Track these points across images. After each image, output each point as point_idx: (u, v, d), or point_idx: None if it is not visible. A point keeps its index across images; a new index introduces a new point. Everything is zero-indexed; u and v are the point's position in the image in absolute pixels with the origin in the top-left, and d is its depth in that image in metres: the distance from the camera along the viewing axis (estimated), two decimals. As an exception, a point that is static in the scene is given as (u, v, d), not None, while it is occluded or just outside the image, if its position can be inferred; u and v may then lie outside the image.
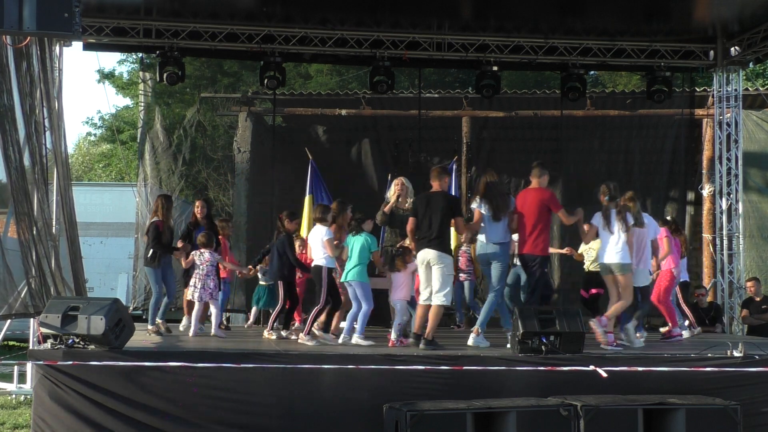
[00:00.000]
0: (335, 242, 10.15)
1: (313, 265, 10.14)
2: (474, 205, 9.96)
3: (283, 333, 10.60)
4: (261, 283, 12.32)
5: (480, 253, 10.02)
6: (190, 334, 10.93)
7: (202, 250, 10.91)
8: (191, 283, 10.92)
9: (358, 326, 9.88)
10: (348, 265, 9.99)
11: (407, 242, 10.19)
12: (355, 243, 9.99)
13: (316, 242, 10.10)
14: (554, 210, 9.89)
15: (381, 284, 10.74)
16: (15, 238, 9.77)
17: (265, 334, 10.64)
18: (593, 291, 11.56)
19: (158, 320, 10.96)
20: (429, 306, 9.49)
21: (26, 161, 10.21)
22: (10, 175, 9.60)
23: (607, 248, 9.85)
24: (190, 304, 11.24)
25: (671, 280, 11.21)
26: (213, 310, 10.96)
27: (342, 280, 10.14)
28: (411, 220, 9.72)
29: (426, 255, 9.48)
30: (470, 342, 9.66)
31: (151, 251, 10.77)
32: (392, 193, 11.19)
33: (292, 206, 13.73)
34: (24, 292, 9.69)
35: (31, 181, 10.33)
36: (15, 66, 9.87)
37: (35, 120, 10.67)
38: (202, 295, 10.81)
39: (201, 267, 10.84)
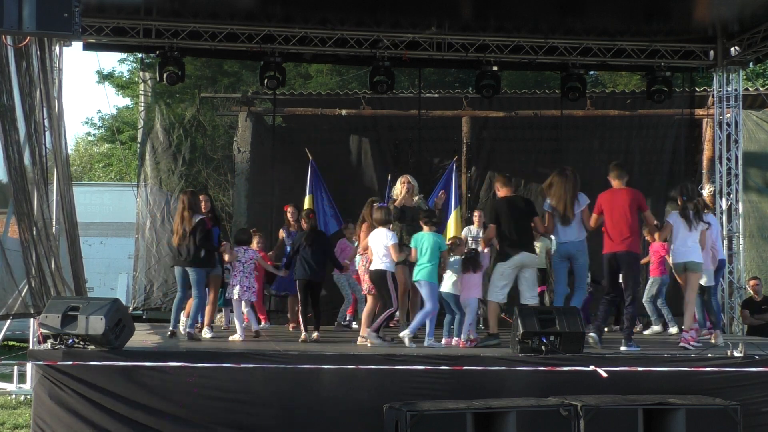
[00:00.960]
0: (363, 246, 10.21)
1: (375, 269, 9.90)
2: (546, 206, 10.12)
3: (314, 335, 10.30)
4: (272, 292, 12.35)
5: (556, 251, 10.20)
6: (239, 338, 10.38)
7: (245, 247, 10.61)
8: (232, 281, 10.55)
9: (413, 324, 9.84)
10: (419, 265, 9.85)
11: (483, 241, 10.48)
12: (425, 242, 9.86)
13: (378, 245, 9.91)
14: (643, 209, 9.97)
15: None
16: (15, 238, 9.77)
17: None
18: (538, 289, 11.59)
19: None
20: (497, 304, 9.99)
21: (26, 161, 10.21)
22: (10, 175, 9.60)
23: (684, 247, 9.92)
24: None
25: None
26: (245, 309, 10.61)
27: (414, 279, 10.05)
28: (492, 227, 10.00)
29: (525, 259, 9.87)
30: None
31: (204, 251, 10.15)
32: (398, 191, 11.14)
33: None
34: (24, 292, 9.69)
35: (31, 181, 10.33)
36: (15, 66, 9.87)
37: (35, 120, 10.67)
38: (246, 295, 10.48)
39: (245, 264, 10.48)
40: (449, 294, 9.98)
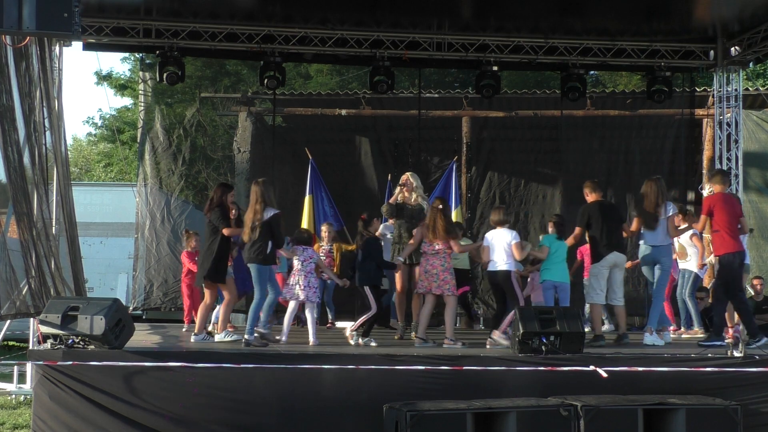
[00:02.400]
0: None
1: (500, 269, 9.92)
2: (634, 212, 10.61)
3: (373, 343, 9.80)
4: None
5: (644, 255, 10.49)
6: (284, 339, 9.92)
7: (303, 246, 10.27)
8: (290, 281, 10.12)
9: None
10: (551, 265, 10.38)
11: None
12: (552, 243, 10.46)
13: (499, 245, 9.94)
14: (740, 215, 10.35)
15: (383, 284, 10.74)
16: (15, 238, 9.77)
17: (361, 341, 9.85)
18: (461, 290, 11.84)
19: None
20: (600, 306, 10.40)
21: (26, 161, 10.21)
22: (9, 175, 9.60)
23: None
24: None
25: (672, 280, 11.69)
26: (309, 314, 10.16)
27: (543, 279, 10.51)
28: (579, 229, 10.33)
29: (617, 259, 10.27)
30: (647, 341, 10.09)
31: (270, 246, 9.56)
32: (398, 189, 11.13)
33: (292, 206, 13.79)
34: (24, 292, 9.69)
35: (31, 181, 10.33)
36: (15, 66, 9.87)
37: (35, 120, 10.67)
38: (308, 295, 10.05)
39: (304, 264, 10.10)
40: None
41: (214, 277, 9.84)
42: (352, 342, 9.90)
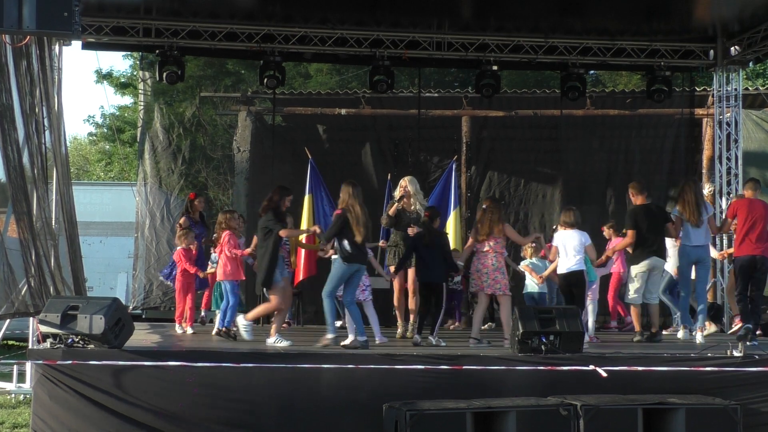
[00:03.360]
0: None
1: (575, 270, 10.14)
2: (675, 212, 10.81)
3: (433, 339, 9.83)
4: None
5: (685, 255, 10.75)
6: (378, 340, 9.93)
7: None
8: None
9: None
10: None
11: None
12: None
13: (570, 246, 10.12)
14: (756, 220, 10.77)
15: (380, 284, 10.71)
16: (14, 237, 9.76)
17: (432, 339, 9.88)
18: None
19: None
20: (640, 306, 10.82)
21: (25, 160, 10.19)
22: (9, 174, 9.58)
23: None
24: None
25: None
26: (370, 313, 10.12)
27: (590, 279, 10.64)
28: (632, 232, 10.54)
29: (657, 263, 10.69)
30: (699, 339, 10.42)
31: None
32: (397, 195, 11.13)
33: (292, 206, 13.73)
34: (24, 291, 9.68)
35: (31, 180, 10.32)
36: (14, 65, 9.86)
37: (35, 119, 10.66)
38: (363, 294, 10.11)
39: None
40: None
41: (268, 284, 9.71)
42: (423, 342, 9.83)
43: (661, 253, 10.74)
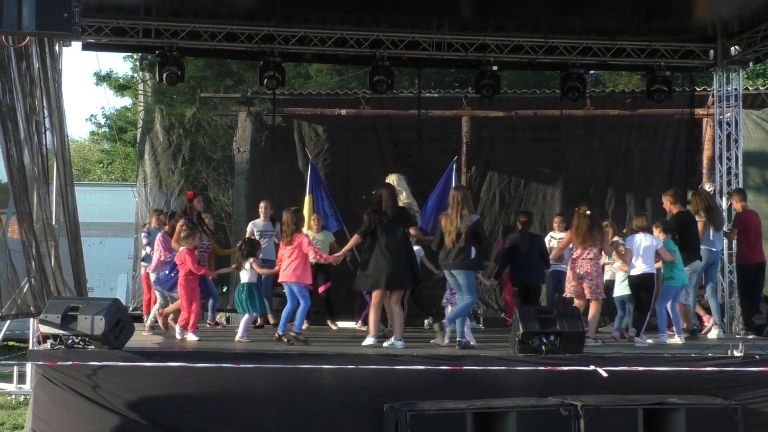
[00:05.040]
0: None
1: (645, 272, 10.30)
2: (699, 218, 11.36)
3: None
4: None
5: (708, 258, 11.37)
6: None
7: None
8: None
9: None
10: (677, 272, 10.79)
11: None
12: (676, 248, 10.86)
13: (643, 250, 10.31)
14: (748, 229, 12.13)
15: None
16: (15, 238, 9.76)
17: None
18: (322, 288, 12.17)
19: None
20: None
21: (27, 160, 10.19)
22: (12, 174, 9.58)
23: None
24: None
25: None
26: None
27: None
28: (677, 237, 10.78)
29: (697, 266, 11.24)
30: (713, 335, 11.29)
31: (474, 252, 9.56)
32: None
33: (292, 206, 13.72)
34: (25, 291, 9.68)
35: (32, 180, 10.32)
36: (16, 65, 9.86)
37: (36, 119, 10.66)
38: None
39: None
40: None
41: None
42: None
43: (699, 256, 11.23)
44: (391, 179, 11.11)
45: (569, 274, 10.35)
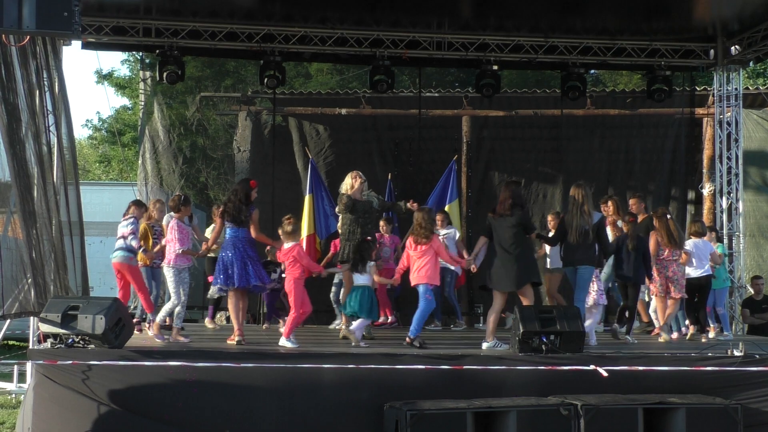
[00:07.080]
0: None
1: (702, 275, 10.86)
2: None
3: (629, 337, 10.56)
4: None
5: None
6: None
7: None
8: None
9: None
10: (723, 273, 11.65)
11: None
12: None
13: (701, 254, 10.91)
14: None
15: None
16: (17, 237, 9.75)
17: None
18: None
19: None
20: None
21: (30, 159, 10.19)
22: (17, 172, 9.58)
23: None
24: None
25: None
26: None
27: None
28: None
29: None
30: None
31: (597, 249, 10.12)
32: (349, 185, 10.64)
33: (292, 206, 13.74)
34: (26, 290, 9.68)
35: (35, 179, 10.32)
36: (19, 64, 9.87)
37: (38, 119, 10.66)
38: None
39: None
40: None
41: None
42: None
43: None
44: (356, 173, 10.76)
45: (655, 274, 10.77)
